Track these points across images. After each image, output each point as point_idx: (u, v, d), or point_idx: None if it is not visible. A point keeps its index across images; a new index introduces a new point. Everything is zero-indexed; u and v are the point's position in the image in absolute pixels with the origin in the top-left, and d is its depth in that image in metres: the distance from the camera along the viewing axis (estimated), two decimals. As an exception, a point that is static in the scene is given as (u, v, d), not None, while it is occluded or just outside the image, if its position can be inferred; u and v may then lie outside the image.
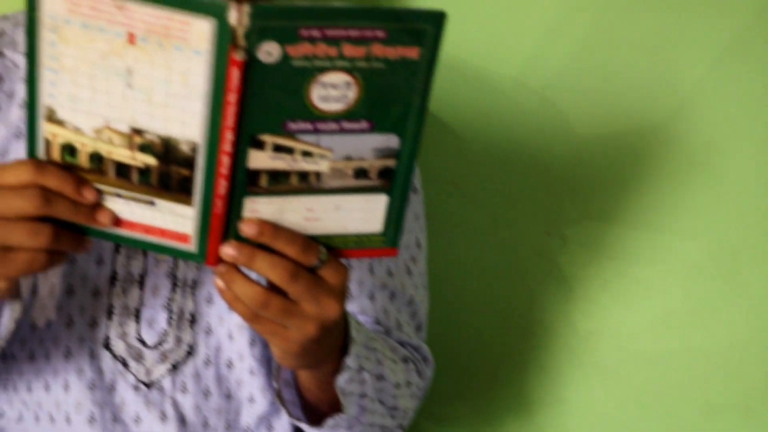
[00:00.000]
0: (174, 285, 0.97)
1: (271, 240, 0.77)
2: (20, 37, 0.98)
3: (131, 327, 0.97)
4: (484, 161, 1.26)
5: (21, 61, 0.97)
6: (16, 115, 0.96)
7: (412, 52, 0.71)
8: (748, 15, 1.17)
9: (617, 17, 1.19)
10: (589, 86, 1.21)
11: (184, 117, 0.72)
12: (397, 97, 0.74)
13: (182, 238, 0.78)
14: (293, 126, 0.73)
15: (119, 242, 0.79)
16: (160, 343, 0.98)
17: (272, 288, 0.78)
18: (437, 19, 0.70)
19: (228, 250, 0.77)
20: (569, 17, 1.19)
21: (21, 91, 0.96)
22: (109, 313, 0.97)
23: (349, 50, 0.70)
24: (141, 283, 0.97)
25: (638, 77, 1.21)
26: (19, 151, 0.95)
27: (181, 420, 0.99)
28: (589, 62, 1.21)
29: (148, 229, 0.78)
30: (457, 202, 1.28)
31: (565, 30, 1.19)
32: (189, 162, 0.74)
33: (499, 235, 1.30)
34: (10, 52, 0.97)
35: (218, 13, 0.67)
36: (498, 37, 1.18)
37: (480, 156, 1.25)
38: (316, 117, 0.73)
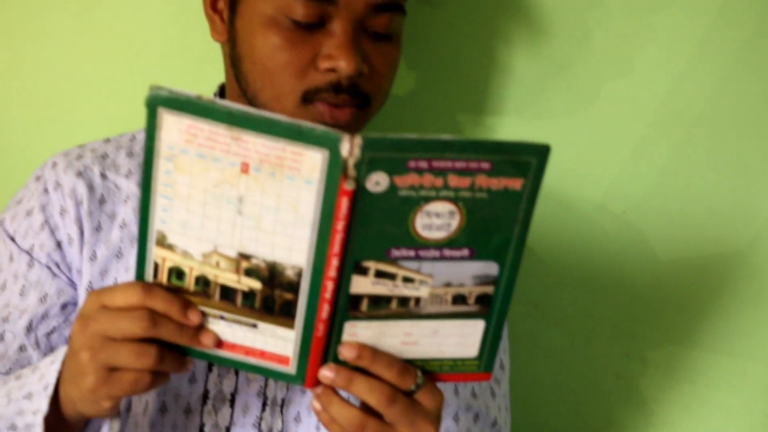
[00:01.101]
0: (264, 404, 0.98)
1: (369, 364, 0.78)
2: (122, 160, 1.02)
3: None
4: (565, 282, 1.26)
5: (123, 183, 1.00)
6: (117, 235, 0.98)
7: (516, 183, 0.73)
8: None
9: (699, 145, 1.20)
10: (670, 210, 1.22)
11: (291, 243, 0.73)
12: (498, 226, 0.75)
13: (282, 360, 0.79)
14: (396, 253, 0.74)
15: (219, 363, 0.80)
16: None
17: (368, 410, 0.78)
18: (542, 151, 0.71)
19: (327, 373, 0.78)
20: (651, 143, 1.20)
21: (122, 212, 0.99)
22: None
23: (454, 181, 0.71)
24: (232, 402, 0.97)
25: (719, 203, 1.21)
26: (119, 270, 0.98)
27: None
28: (670, 187, 1.21)
29: (249, 351, 0.79)
30: (538, 322, 1.28)
31: (647, 155, 1.20)
32: (293, 286, 0.75)
33: (578, 356, 1.29)
34: (113, 175, 1.01)
35: (331, 145, 0.69)
36: (581, 161, 1.19)
37: (561, 277, 1.26)
38: (418, 244, 0.74)
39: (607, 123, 1.20)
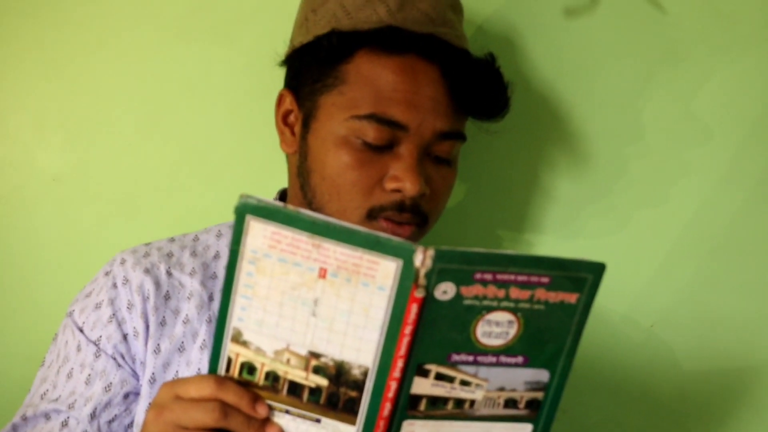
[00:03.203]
0: None
1: None
2: (186, 260, 1.04)
3: None
4: (594, 390, 1.27)
5: (187, 281, 1.03)
6: (180, 330, 1.00)
7: (571, 297, 0.76)
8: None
9: (721, 265, 1.23)
10: (694, 325, 1.24)
11: (360, 344, 0.76)
12: (552, 336, 0.77)
13: (342, 454, 0.81)
14: (456, 357, 0.77)
15: None
16: None
17: None
18: (598, 269, 0.75)
19: (384, 468, 0.79)
20: (677, 262, 1.23)
21: (185, 309, 1.01)
22: None
23: (515, 293, 0.74)
24: None
25: (740, 320, 1.24)
26: (180, 363, 1.00)
27: None
28: (693, 304, 1.24)
29: (311, 445, 0.81)
30: (566, 428, 1.29)
31: (673, 273, 1.24)
32: (358, 385, 0.77)
33: (605, 463, 1.30)
34: (178, 273, 1.03)
35: (406, 255, 0.72)
36: (610, 274, 1.22)
37: (590, 385, 1.27)
38: (478, 350, 0.77)
39: (637, 244, 1.24)
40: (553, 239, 1.24)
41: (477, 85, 0.98)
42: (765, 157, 1.20)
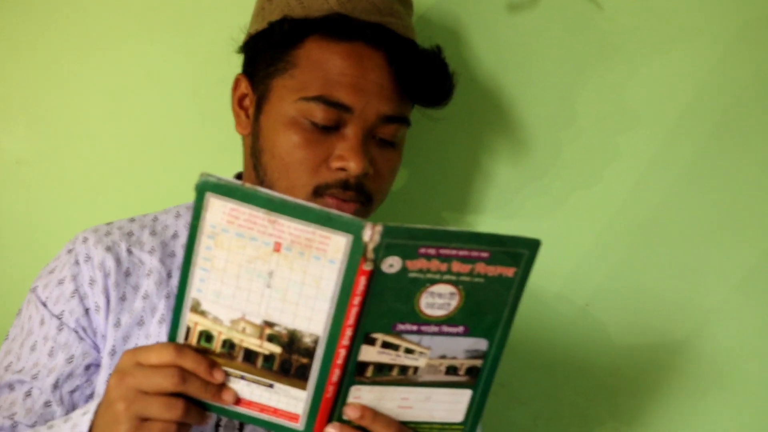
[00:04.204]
0: None
1: (370, 423, 0.84)
2: (146, 238, 1.07)
3: None
4: (531, 365, 1.33)
5: (147, 259, 1.05)
6: (140, 305, 1.03)
7: (509, 271, 0.80)
8: (762, 249, 1.28)
9: (649, 244, 1.30)
10: (626, 303, 1.30)
11: (311, 314, 0.80)
12: (491, 308, 0.82)
13: (292, 417, 0.85)
14: (401, 327, 0.81)
15: (235, 418, 0.86)
16: None
17: None
18: (534, 245, 0.80)
19: (332, 431, 0.84)
20: (608, 242, 1.30)
21: (145, 285, 1.04)
22: None
23: (457, 267, 0.79)
24: None
25: (666, 297, 1.30)
26: (139, 336, 1.03)
27: None
28: (626, 281, 1.30)
29: (263, 408, 0.85)
30: (504, 401, 1.34)
31: (605, 252, 1.30)
32: (309, 352, 0.81)
33: (540, 434, 1.36)
34: (138, 251, 1.06)
35: (355, 231, 0.76)
36: (545, 254, 1.27)
37: (527, 361, 1.32)
38: (421, 320, 0.81)
39: (571, 225, 1.30)
40: (493, 220, 1.29)
41: (421, 73, 1.03)
42: (691, 142, 1.27)
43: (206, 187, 0.77)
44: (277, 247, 0.78)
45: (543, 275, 1.29)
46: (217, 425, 1.02)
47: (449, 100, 1.08)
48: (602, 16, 1.24)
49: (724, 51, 1.24)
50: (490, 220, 1.29)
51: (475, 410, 0.88)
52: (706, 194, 1.28)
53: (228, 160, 1.18)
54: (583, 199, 1.29)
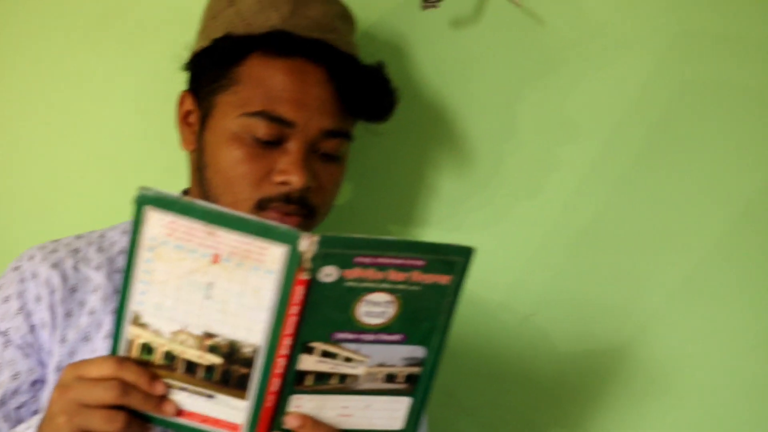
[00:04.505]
0: None
1: None
2: (92, 255, 1.07)
3: None
4: (477, 374, 1.34)
5: (93, 275, 1.06)
6: (85, 321, 1.03)
7: (444, 279, 0.82)
8: (699, 257, 1.31)
9: (589, 252, 1.32)
10: (568, 311, 1.32)
11: (251, 324, 0.81)
12: (428, 315, 0.84)
13: (234, 427, 0.85)
14: (340, 335, 0.83)
15: (177, 429, 0.86)
16: None
17: None
18: (467, 252, 0.82)
19: (273, 440, 0.85)
20: (550, 251, 1.32)
21: (91, 301, 1.04)
22: None
23: (393, 275, 0.80)
24: None
25: (607, 304, 1.32)
26: (85, 352, 1.02)
27: None
28: (567, 290, 1.33)
29: (205, 419, 0.86)
30: (452, 411, 1.35)
31: (546, 262, 1.32)
32: (249, 362, 0.82)
33: (488, 442, 1.37)
34: (84, 268, 1.06)
35: (292, 241, 0.77)
36: (489, 264, 1.29)
37: (473, 370, 1.34)
38: (359, 329, 0.83)
39: (513, 235, 1.32)
40: (438, 232, 1.30)
41: (362, 88, 1.04)
42: (627, 152, 1.30)
43: (144, 200, 0.78)
44: (216, 259, 0.79)
45: (487, 285, 1.31)
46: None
47: (391, 114, 1.10)
48: (543, 30, 1.27)
49: (657, 63, 1.27)
50: (435, 233, 1.31)
51: (414, 417, 0.89)
52: (643, 203, 1.31)
53: (175, 176, 1.19)
54: (525, 209, 1.31)
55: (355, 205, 1.32)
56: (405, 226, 1.32)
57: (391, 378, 0.86)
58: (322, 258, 0.78)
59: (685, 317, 1.32)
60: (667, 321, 1.32)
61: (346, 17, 1.10)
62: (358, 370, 0.85)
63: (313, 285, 0.79)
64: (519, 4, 1.22)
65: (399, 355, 0.85)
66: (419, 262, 0.81)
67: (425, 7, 1.20)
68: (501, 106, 1.29)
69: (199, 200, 0.79)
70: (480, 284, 1.30)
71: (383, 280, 0.81)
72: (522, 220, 1.31)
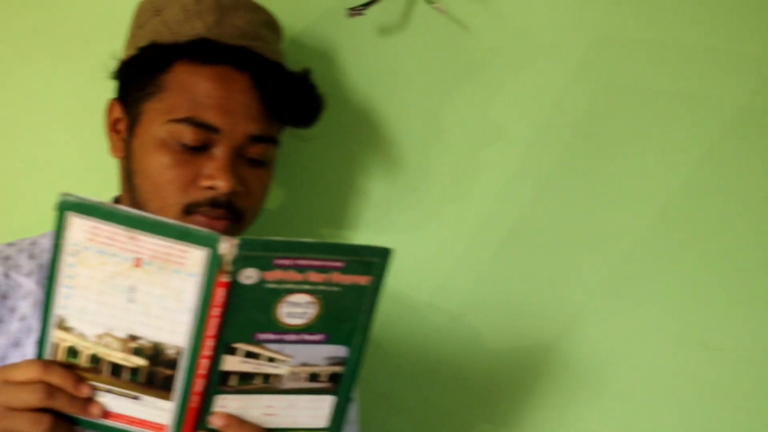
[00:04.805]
0: None
1: (235, 431, 0.87)
2: (23, 262, 1.08)
3: None
4: (411, 374, 1.37)
5: (24, 282, 1.06)
6: (16, 327, 1.04)
7: (363, 280, 0.84)
8: (619, 256, 1.35)
9: (516, 252, 1.35)
10: (497, 309, 1.35)
11: (174, 326, 0.83)
12: (348, 315, 0.86)
13: (159, 428, 0.87)
14: (262, 336, 0.85)
15: (104, 431, 0.88)
16: None
17: None
18: (385, 253, 0.84)
19: (199, 440, 0.87)
20: (477, 251, 1.35)
21: (22, 307, 1.05)
22: None
23: (313, 277, 0.82)
24: None
25: (534, 302, 1.35)
26: (15, 358, 1.03)
27: None
28: (495, 289, 1.35)
29: (132, 420, 0.87)
30: (386, 411, 1.37)
31: (474, 262, 1.35)
32: (173, 364, 0.84)
33: (422, 440, 1.40)
34: (15, 274, 1.06)
35: (212, 244, 0.79)
36: (418, 265, 1.33)
37: (406, 370, 1.36)
38: (281, 329, 0.85)
39: (442, 237, 1.35)
40: (369, 234, 1.33)
41: (287, 95, 1.06)
42: (550, 155, 1.33)
43: (66, 206, 0.80)
44: (138, 263, 0.81)
45: (416, 286, 1.34)
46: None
47: (317, 120, 1.12)
48: (467, 36, 1.30)
49: (576, 66, 1.30)
50: (365, 235, 1.33)
51: (338, 415, 0.91)
52: (566, 204, 1.34)
53: (108, 183, 1.19)
54: (452, 211, 1.33)
55: (288, 210, 1.34)
56: (336, 229, 1.34)
57: (314, 377, 0.88)
58: (242, 260, 0.80)
59: (608, 315, 1.35)
60: (590, 319, 1.35)
61: (272, 25, 1.12)
62: (281, 369, 0.87)
63: (234, 287, 0.81)
64: (443, 11, 1.25)
65: (321, 354, 0.88)
66: (338, 264, 0.83)
67: (351, 15, 1.22)
68: (428, 111, 1.32)
69: (120, 206, 0.81)
70: (409, 285, 1.34)
71: (303, 282, 0.83)
72: (449, 221, 1.34)
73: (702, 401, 1.37)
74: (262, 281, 0.81)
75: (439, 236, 1.34)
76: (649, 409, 1.38)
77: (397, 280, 1.31)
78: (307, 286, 0.83)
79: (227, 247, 0.79)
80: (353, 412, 1.20)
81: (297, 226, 1.34)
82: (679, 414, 1.38)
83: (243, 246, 0.79)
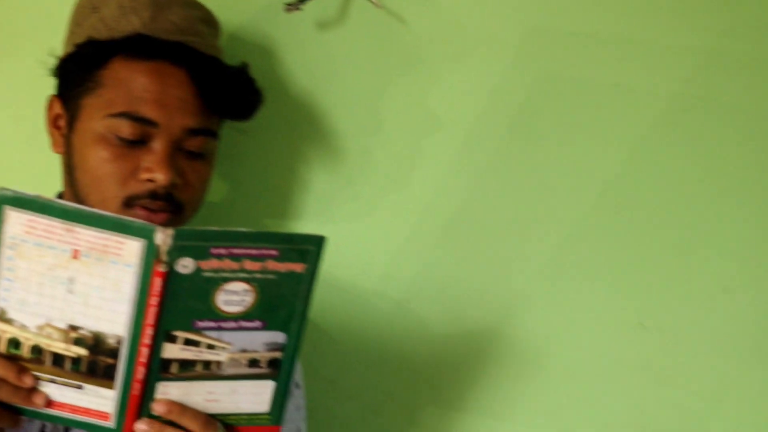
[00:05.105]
0: None
1: (177, 417, 0.89)
2: None
3: None
4: (357, 361, 1.39)
5: None
6: None
7: (298, 267, 0.87)
8: (558, 240, 1.39)
9: (457, 238, 1.38)
10: (439, 294, 1.39)
11: (113, 316, 0.85)
12: (284, 302, 0.88)
13: (103, 416, 0.89)
14: (201, 324, 0.87)
15: (49, 420, 0.89)
16: None
17: None
18: (319, 241, 0.86)
19: (141, 426, 0.89)
20: (418, 239, 1.38)
21: None
22: None
23: (248, 265, 0.85)
24: None
25: (476, 286, 1.39)
26: None
27: None
28: (438, 276, 1.38)
29: (75, 409, 0.89)
30: (333, 398, 1.40)
31: (416, 249, 1.38)
32: (114, 353, 0.86)
33: (369, 426, 1.41)
34: None
35: (147, 235, 0.81)
36: (362, 254, 1.36)
37: (353, 356, 1.39)
38: (219, 317, 0.87)
39: (384, 225, 1.37)
40: (312, 225, 1.35)
41: (224, 88, 1.08)
42: (488, 143, 1.36)
43: (2, 200, 0.81)
44: (76, 254, 0.83)
45: (361, 274, 1.37)
46: (43, 428, 1.05)
47: (255, 113, 1.14)
48: (405, 29, 1.32)
49: (512, 58, 1.34)
50: (309, 226, 1.35)
51: (280, 400, 0.94)
52: (505, 190, 1.37)
53: (52, 179, 1.20)
54: (394, 200, 1.36)
55: (233, 202, 1.36)
56: (281, 220, 1.36)
57: (254, 363, 0.91)
58: (178, 250, 0.82)
59: (548, 298, 1.39)
60: (531, 302, 1.38)
61: (208, 21, 1.14)
62: (221, 356, 0.89)
63: (171, 276, 0.83)
64: (379, 5, 1.28)
65: (260, 341, 0.90)
66: (273, 252, 0.85)
67: (289, 10, 1.24)
68: (367, 103, 1.34)
69: (57, 199, 0.83)
70: (354, 273, 1.37)
71: (239, 270, 0.85)
72: (391, 210, 1.36)
73: (641, 379, 1.41)
74: (198, 270, 0.84)
75: (381, 225, 1.37)
76: (591, 388, 1.42)
77: (342, 269, 1.36)
78: (243, 275, 0.85)
79: (163, 237, 0.81)
80: (300, 399, 1.23)
81: (241, 219, 1.36)
82: (619, 392, 1.42)
83: (178, 236, 0.81)
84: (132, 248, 0.82)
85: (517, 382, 1.41)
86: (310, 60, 1.33)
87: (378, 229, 1.37)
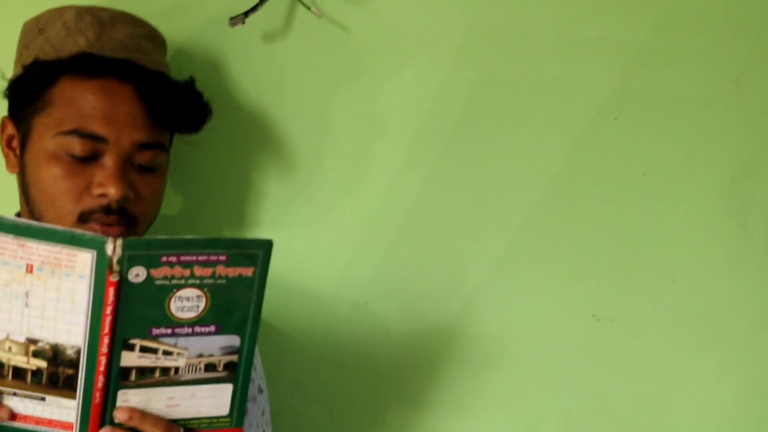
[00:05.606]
0: None
1: (139, 423, 0.92)
2: None
3: None
4: (322, 363, 1.42)
5: None
6: None
7: (248, 271, 0.89)
8: (509, 234, 1.42)
9: (411, 238, 1.41)
10: (398, 296, 1.42)
11: (70, 327, 0.87)
12: (237, 306, 0.91)
13: (67, 426, 0.91)
14: (156, 331, 0.89)
15: None
16: None
17: None
18: (266, 245, 0.89)
19: (104, 434, 0.91)
20: (373, 241, 1.41)
21: None
22: None
23: (199, 271, 0.87)
24: None
25: (432, 285, 1.42)
26: None
27: None
28: (393, 275, 1.42)
29: (39, 421, 0.91)
30: (299, 400, 1.42)
31: (371, 251, 1.41)
32: (74, 363, 0.88)
33: (336, 427, 1.44)
34: None
35: (98, 246, 0.84)
36: (319, 258, 1.39)
37: (317, 359, 1.41)
38: (174, 323, 0.89)
39: (339, 229, 1.40)
40: (269, 232, 1.37)
41: (171, 102, 1.11)
42: (435, 144, 1.40)
43: None
44: (29, 269, 0.85)
45: (319, 277, 1.40)
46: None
47: (203, 126, 1.17)
48: (348, 37, 1.36)
49: (453, 60, 1.37)
50: (266, 233, 1.37)
51: (238, 402, 0.96)
52: (455, 189, 1.40)
53: (11, 200, 1.22)
54: (347, 204, 1.39)
55: (189, 215, 1.38)
56: (238, 229, 1.39)
57: (211, 367, 0.93)
58: (128, 260, 0.84)
59: (503, 293, 1.42)
60: (486, 297, 1.42)
61: (153, 37, 1.17)
62: (178, 362, 0.91)
63: (123, 286, 0.85)
64: (320, 15, 1.31)
65: (215, 345, 0.92)
66: (222, 257, 0.88)
67: (233, 24, 1.27)
68: (316, 111, 1.37)
69: (7, 216, 0.85)
70: (313, 278, 1.40)
71: (190, 276, 0.87)
72: (345, 214, 1.39)
73: (596, 369, 1.45)
74: (150, 278, 0.86)
75: (336, 229, 1.40)
76: (550, 378, 1.46)
77: (300, 273, 1.39)
78: (194, 281, 0.88)
79: (113, 248, 0.84)
80: (264, 403, 1.25)
81: (198, 230, 1.38)
82: (577, 381, 1.46)
83: (128, 246, 0.84)
84: (84, 260, 0.84)
85: (478, 377, 1.44)
86: (258, 71, 1.36)
87: (334, 233, 1.40)
